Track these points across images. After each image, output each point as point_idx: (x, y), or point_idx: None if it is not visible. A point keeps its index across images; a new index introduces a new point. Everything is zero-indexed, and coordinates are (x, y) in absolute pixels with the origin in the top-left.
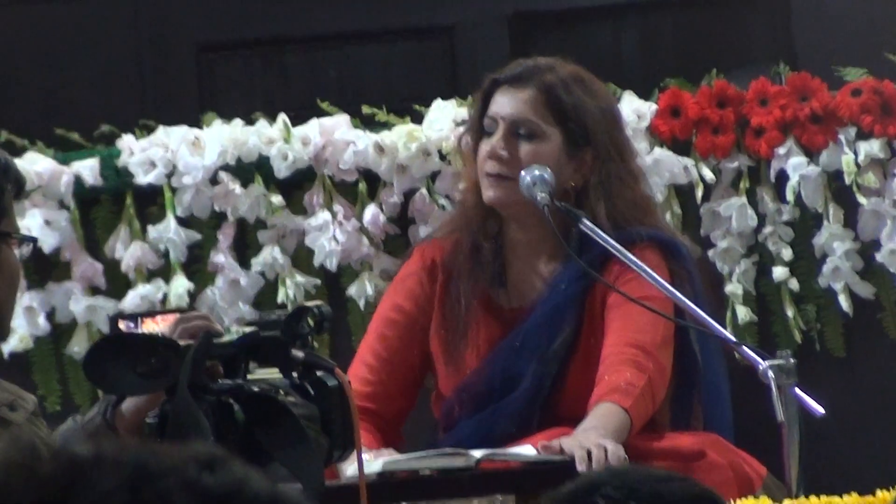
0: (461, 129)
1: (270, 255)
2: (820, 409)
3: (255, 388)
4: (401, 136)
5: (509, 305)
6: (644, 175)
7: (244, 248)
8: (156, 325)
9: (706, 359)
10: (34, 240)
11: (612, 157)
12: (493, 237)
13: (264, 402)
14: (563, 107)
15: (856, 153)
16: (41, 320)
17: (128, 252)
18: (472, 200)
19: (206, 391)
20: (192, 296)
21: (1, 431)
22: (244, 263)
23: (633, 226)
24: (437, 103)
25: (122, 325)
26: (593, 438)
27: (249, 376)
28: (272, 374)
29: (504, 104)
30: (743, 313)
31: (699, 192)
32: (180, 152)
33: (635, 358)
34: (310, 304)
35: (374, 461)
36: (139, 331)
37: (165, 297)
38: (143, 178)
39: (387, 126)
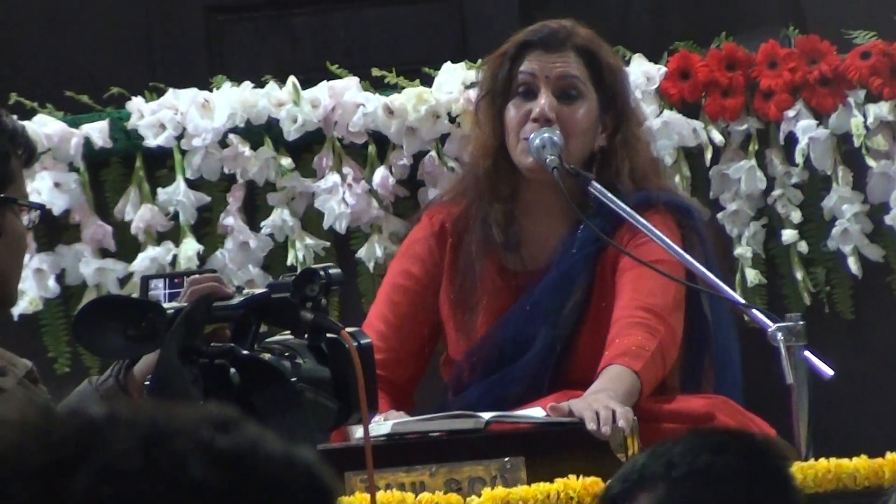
0: (471, 91)
1: (280, 217)
2: (829, 372)
3: (245, 352)
4: (410, 99)
5: (521, 269)
6: (649, 132)
7: (254, 211)
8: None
9: (717, 322)
10: (41, 207)
11: (632, 117)
12: (506, 201)
13: (257, 365)
14: (600, 68)
15: (865, 116)
16: (51, 283)
17: (137, 214)
18: (486, 164)
19: (200, 354)
20: (202, 258)
21: None
22: (254, 226)
23: (651, 185)
24: (447, 66)
25: (153, 285)
26: (603, 400)
27: (274, 338)
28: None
29: (546, 65)
30: (752, 276)
31: (708, 155)
32: (190, 115)
33: (647, 321)
34: (319, 266)
35: (383, 423)
36: (166, 292)
37: (175, 259)
38: (152, 141)
39: (396, 88)
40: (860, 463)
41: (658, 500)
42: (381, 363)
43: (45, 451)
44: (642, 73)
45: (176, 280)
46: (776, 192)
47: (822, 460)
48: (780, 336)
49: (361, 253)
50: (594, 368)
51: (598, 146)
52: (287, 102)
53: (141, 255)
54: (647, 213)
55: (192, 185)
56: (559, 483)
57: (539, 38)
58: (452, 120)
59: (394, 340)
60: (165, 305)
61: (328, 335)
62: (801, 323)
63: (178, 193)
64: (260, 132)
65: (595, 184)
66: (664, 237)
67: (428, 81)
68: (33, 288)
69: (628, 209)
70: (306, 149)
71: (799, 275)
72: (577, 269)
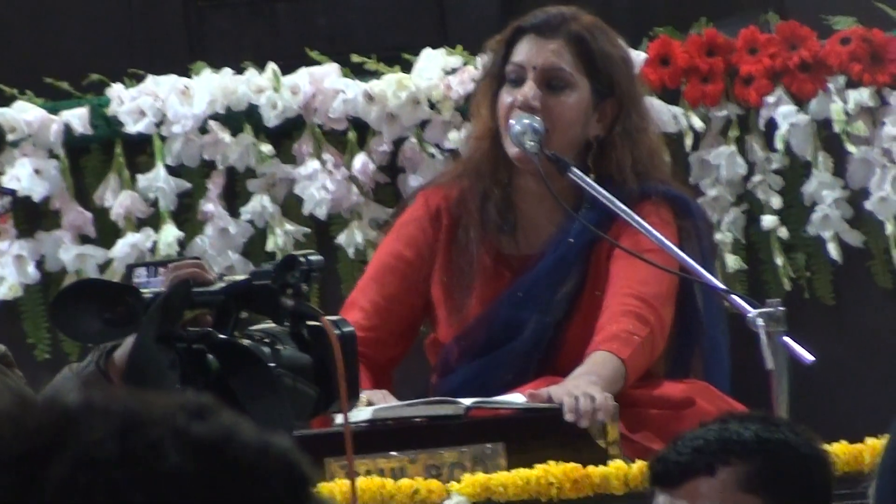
0: (451, 77)
1: (260, 203)
2: (809, 357)
3: (222, 336)
4: (390, 85)
5: (516, 253)
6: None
7: (233, 197)
8: None
9: (708, 314)
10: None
11: (633, 106)
12: (504, 185)
13: (235, 350)
14: (592, 57)
15: (845, 101)
16: (31, 269)
17: (117, 201)
18: (484, 147)
19: (178, 339)
20: (182, 244)
21: None
22: (233, 212)
23: (651, 174)
24: (427, 52)
25: (137, 273)
26: (582, 386)
27: (257, 326)
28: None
29: (534, 53)
30: (732, 262)
31: (688, 141)
32: (170, 101)
33: (638, 310)
34: (300, 252)
35: (364, 409)
36: (151, 279)
37: (155, 245)
38: (132, 127)
39: (376, 75)
40: (840, 448)
41: (743, 473)
42: (364, 341)
43: (20, 441)
44: None
45: (160, 268)
46: (756, 178)
47: None
48: (760, 322)
49: (341, 239)
50: (583, 357)
51: (593, 135)
52: (267, 89)
53: (121, 242)
54: (642, 203)
55: (171, 171)
56: (539, 469)
57: (531, 24)
58: (432, 106)
59: (378, 320)
60: (144, 291)
61: (310, 322)
62: (782, 308)
63: (157, 180)
64: (240, 118)
65: (575, 170)
66: (651, 228)
67: (408, 67)
68: (13, 274)
69: (610, 196)
70: (286, 135)
71: (779, 260)
72: (572, 257)
